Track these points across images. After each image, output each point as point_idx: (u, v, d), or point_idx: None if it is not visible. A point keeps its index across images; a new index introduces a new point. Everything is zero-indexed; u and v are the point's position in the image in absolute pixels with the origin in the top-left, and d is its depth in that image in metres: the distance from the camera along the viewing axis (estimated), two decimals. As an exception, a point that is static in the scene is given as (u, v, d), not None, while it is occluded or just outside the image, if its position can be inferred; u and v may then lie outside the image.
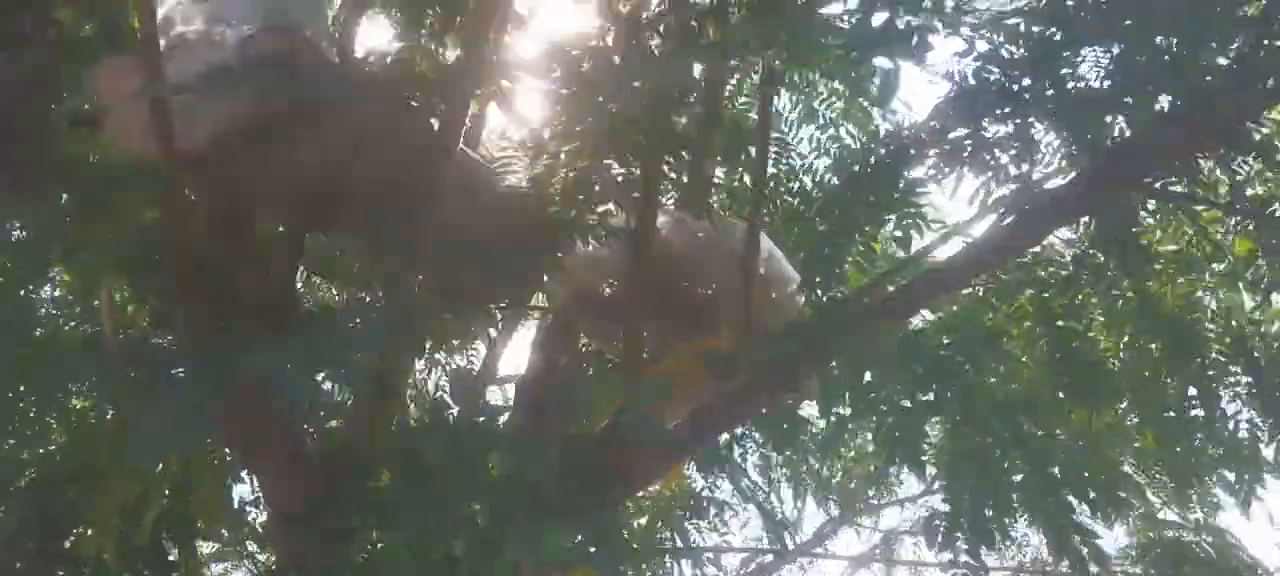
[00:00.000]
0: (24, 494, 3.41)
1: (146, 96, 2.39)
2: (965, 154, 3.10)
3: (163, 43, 2.55)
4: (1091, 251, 3.30)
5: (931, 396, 3.61)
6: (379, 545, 2.75)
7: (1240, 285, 3.45)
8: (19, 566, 3.41)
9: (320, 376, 2.46)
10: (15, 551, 3.40)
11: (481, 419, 3.00)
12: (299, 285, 3.50)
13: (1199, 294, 3.51)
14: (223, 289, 2.92)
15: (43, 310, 3.75)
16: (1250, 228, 3.33)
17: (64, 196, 2.93)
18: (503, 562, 2.29)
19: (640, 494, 4.36)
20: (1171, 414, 3.46)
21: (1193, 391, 3.45)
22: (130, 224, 2.94)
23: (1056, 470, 3.66)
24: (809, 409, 4.14)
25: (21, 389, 3.27)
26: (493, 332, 4.15)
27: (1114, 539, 4.36)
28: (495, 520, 2.46)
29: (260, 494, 3.60)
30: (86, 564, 3.34)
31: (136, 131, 2.51)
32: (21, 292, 3.45)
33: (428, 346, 3.69)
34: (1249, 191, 3.33)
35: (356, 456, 2.98)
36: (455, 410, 3.49)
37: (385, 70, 3.12)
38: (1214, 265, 3.49)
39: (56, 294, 3.77)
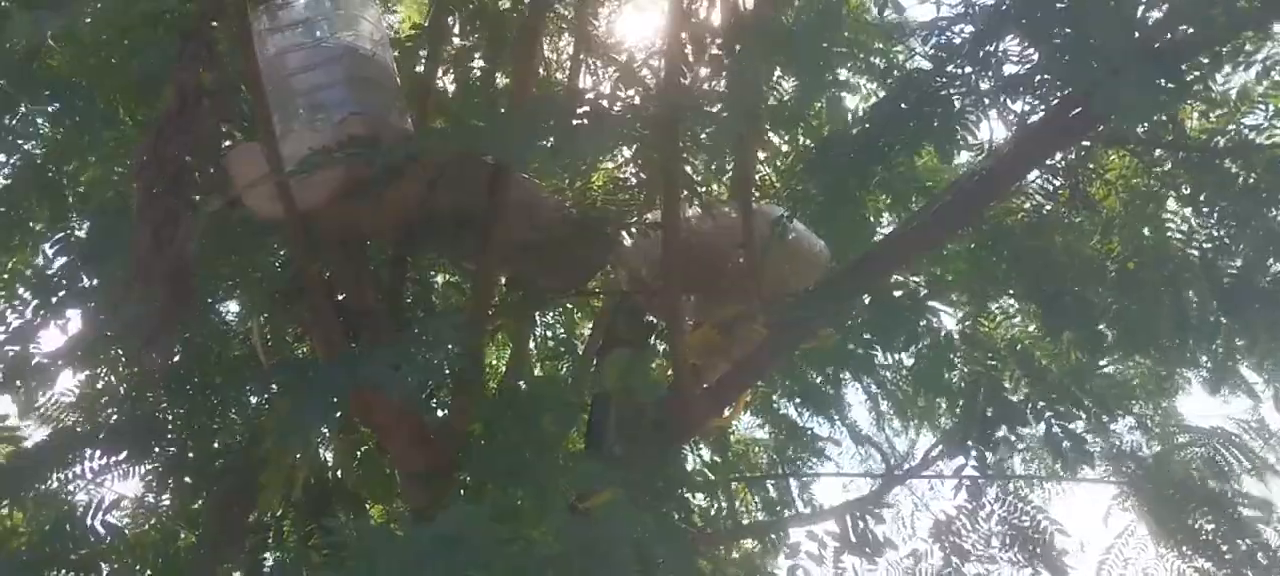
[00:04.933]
0: (218, 478, 4.44)
1: (273, 176, 3.27)
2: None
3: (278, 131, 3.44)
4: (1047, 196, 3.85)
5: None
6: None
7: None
8: (220, 535, 4.44)
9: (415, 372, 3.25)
10: (215, 524, 4.44)
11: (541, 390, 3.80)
12: (408, 296, 4.35)
13: (1161, 220, 3.94)
14: (347, 306, 3.84)
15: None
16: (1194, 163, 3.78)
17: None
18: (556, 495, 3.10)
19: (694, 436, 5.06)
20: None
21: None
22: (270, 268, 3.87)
23: (1053, 383, 4.20)
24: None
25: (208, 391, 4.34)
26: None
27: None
28: (554, 468, 3.28)
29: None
30: (268, 527, 4.35)
31: (267, 201, 3.41)
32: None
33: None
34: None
35: (457, 428, 3.85)
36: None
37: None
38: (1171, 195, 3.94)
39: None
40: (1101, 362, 4.27)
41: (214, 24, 3.23)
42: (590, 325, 4.87)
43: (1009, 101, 3.51)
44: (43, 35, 3.51)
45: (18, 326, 4.00)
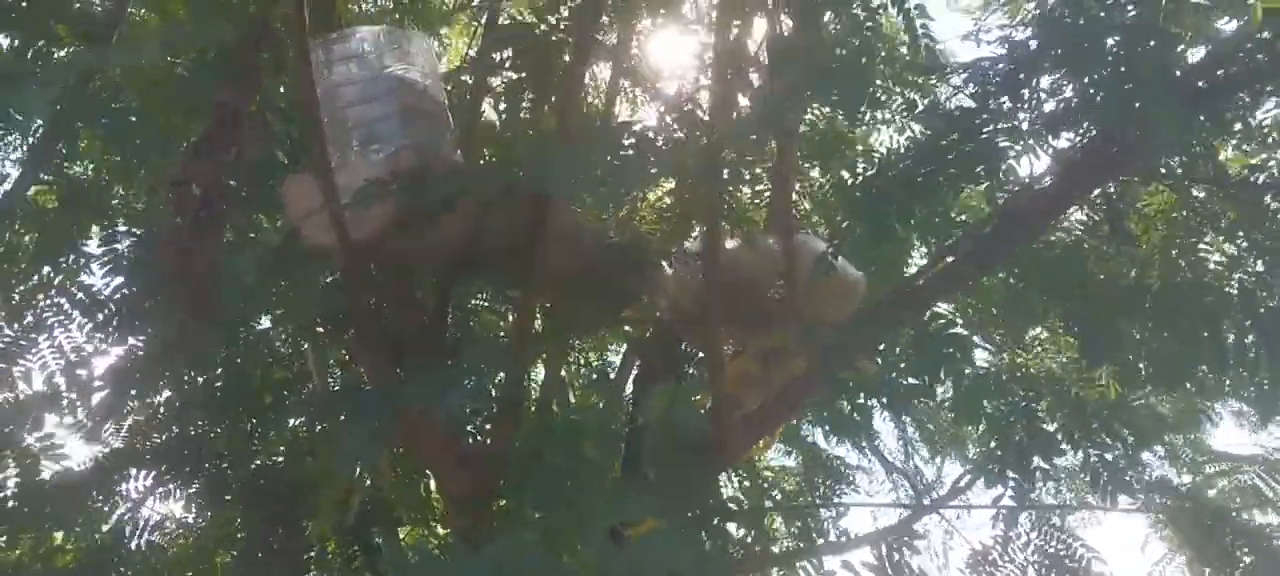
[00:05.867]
0: (259, 500, 4.50)
1: (327, 207, 3.34)
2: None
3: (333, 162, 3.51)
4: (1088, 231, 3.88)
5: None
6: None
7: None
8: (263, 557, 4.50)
9: (461, 398, 3.31)
10: (257, 547, 4.50)
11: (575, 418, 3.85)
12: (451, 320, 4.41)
13: (1199, 254, 3.96)
14: (392, 333, 3.90)
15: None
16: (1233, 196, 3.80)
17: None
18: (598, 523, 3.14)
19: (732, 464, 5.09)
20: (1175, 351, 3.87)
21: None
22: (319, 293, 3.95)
23: (1091, 415, 4.21)
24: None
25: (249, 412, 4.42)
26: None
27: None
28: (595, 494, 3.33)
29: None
30: (312, 549, 4.41)
31: (321, 231, 3.49)
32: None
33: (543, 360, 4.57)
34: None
35: (499, 453, 3.91)
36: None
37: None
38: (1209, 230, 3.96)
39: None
40: (1137, 394, 4.28)
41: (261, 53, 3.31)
42: (620, 350, 4.91)
43: (1049, 138, 3.55)
44: (105, 67, 3.61)
45: (72, 351, 4.05)
